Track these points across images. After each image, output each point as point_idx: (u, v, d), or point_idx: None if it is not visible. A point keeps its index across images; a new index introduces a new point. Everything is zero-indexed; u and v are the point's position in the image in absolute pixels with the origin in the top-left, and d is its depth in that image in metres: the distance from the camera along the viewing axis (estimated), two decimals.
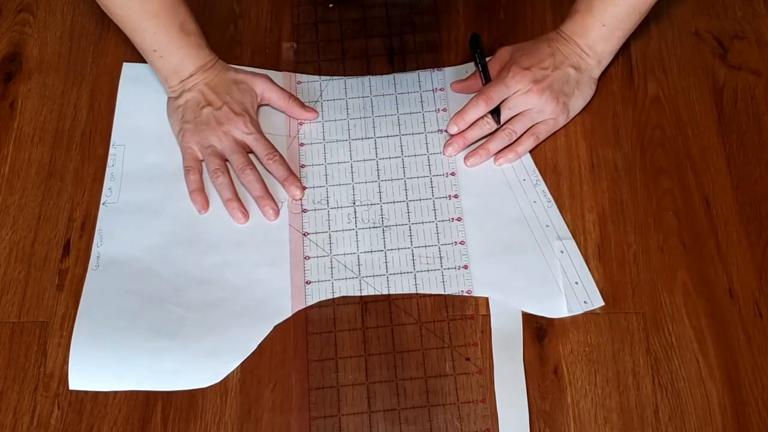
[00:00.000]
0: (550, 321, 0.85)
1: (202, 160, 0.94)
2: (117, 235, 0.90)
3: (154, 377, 0.83)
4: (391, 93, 1.00)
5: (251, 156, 0.94)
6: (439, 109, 0.98)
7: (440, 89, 1.00)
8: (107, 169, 0.94)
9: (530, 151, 0.95)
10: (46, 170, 0.95)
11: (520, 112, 0.94)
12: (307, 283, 0.88)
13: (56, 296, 0.88)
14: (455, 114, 0.94)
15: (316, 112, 0.98)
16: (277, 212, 0.91)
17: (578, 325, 0.85)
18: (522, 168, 0.94)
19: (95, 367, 0.83)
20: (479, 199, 0.92)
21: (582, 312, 0.85)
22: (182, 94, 0.95)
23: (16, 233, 0.91)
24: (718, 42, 1.02)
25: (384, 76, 1.01)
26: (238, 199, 0.92)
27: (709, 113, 0.97)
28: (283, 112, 0.98)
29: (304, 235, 0.91)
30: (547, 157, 0.95)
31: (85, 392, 0.83)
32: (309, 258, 0.89)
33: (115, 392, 0.83)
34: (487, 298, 0.86)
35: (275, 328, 0.85)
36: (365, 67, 1.02)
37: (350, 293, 0.87)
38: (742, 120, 0.97)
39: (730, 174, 0.93)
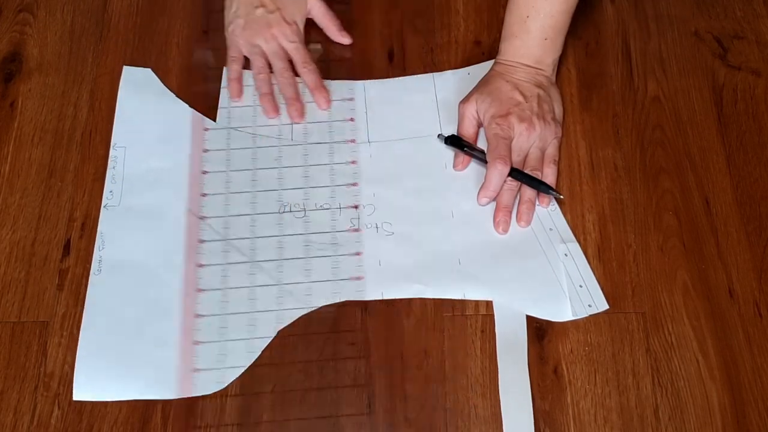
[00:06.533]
0: (549, 321, 0.85)
1: (245, 56, 1.01)
2: (119, 239, 0.90)
3: (158, 386, 0.82)
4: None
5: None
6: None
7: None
8: (108, 171, 0.94)
9: None
10: (46, 170, 0.95)
11: (527, 152, 0.92)
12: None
13: (56, 296, 0.88)
14: (480, 188, 0.91)
15: (350, 38, 1.04)
16: (301, 115, 0.97)
17: (578, 325, 0.85)
18: None
19: (100, 378, 0.83)
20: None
21: (587, 315, 0.85)
22: None
23: (17, 233, 0.91)
24: (718, 42, 1.02)
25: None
26: (272, 94, 0.99)
27: (709, 113, 0.97)
28: (322, 28, 1.04)
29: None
30: None
31: None
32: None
33: None
34: (487, 299, 0.87)
35: (278, 333, 0.85)
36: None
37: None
38: (742, 120, 0.97)
39: (730, 174, 0.93)
